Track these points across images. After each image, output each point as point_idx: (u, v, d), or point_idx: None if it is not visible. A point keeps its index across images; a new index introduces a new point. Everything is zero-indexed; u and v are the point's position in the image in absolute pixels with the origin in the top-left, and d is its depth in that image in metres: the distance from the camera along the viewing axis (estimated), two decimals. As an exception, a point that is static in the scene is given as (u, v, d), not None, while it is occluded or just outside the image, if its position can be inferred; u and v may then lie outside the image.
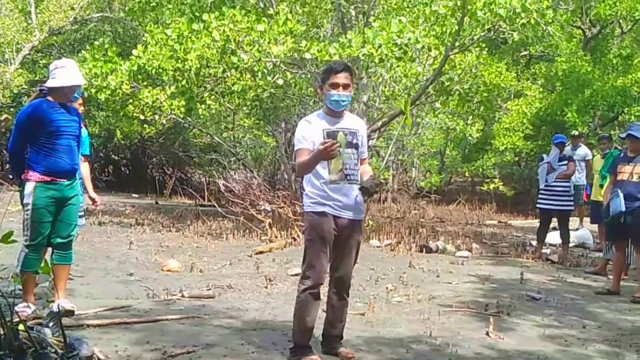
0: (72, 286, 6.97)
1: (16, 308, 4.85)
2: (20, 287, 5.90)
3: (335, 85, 4.92)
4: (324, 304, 5.26)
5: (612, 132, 17.33)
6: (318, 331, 5.23)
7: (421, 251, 11.15)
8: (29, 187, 5.84)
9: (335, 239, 4.97)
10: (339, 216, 4.95)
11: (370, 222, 13.15)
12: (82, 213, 7.54)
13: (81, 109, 7.03)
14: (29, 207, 5.85)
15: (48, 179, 5.83)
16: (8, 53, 16.94)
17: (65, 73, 5.90)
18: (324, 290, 5.12)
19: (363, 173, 5.14)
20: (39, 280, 6.55)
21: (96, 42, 12.86)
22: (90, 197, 7.67)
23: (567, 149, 11.92)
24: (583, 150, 13.60)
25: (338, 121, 5.04)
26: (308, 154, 4.89)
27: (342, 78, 4.93)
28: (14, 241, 4.55)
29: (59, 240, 6.02)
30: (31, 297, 5.99)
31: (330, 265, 5.08)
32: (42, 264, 5.28)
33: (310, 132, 4.95)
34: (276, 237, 11.51)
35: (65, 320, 5.23)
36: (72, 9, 17.48)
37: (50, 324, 5.11)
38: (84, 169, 7.53)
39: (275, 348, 5.25)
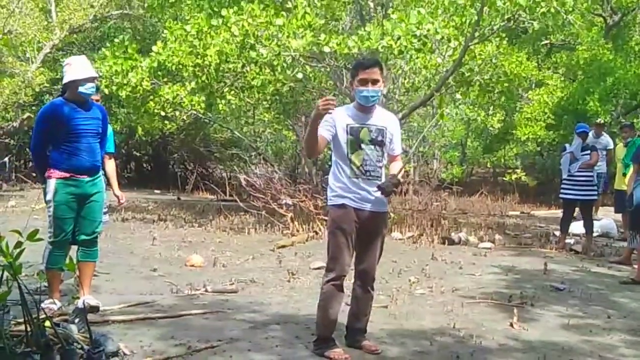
0: (96, 282, 7.03)
1: (42, 305, 4.91)
2: (46, 284, 5.96)
3: (364, 82, 4.89)
4: (348, 297, 5.27)
5: (634, 121, 17.15)
6: (342, 325, 5.24)
7: (444, 243, 11.12)
8: (51, 184, 5.92)
9: (358, 231, 4.97)
10: (360, 208, 4.95)
11: (392, 215, 13.12)
12: (105, 210, 7.60)
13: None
14: (51, 204, 5.93)
15: (67, 175, 5.89)
16: (29, 52, 17.07)
17: (73, 68, 5.95)
18: (348, 283, 5.13)
19: (391, 166, 5.16)
20: (64, 277, 6.61)
21: (116, 40, 12.94)
22: (115, 194, 7.73)
23: (590, 138, 11.83)
24: (605, 139, 13.51)
25: (367, 117, 5.00)
26: (320, 140, 4.89)
27: (371, 74, 4.89)
28: (39, 239, 4.62)
29: (83, 237, 6.08)
30: (57, 294, 6.06)
31: (355, 258, 5.09)
32: (67, 261, 5.33)
33: (328, 122, 4.89)
34: (298, 231, 11.53)
35: (91, 317, 5.29)
36: (92, 6, 17.58)
37: (76, 320, 5.17)
38: (110, 166, 7.58)
39: (299, 342, 5.27)
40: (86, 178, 5.99)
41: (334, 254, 4.98)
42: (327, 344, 5.01)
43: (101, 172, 6.35)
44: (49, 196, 5.94)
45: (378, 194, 4.95)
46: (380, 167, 5.05)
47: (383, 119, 5.10)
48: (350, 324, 5.24)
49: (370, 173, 4.96)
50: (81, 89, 5.91)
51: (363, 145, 4.92)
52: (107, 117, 6.40)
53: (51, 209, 5.96)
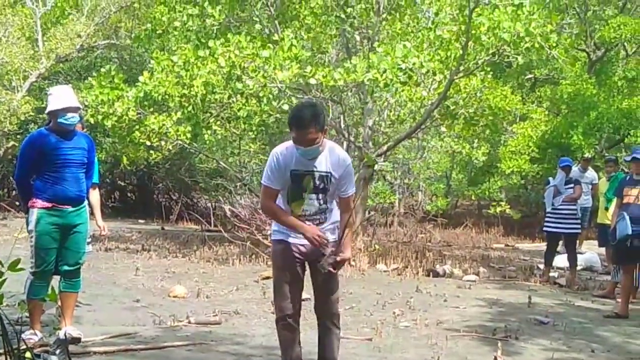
0: (78, 313, 6.97)
1: (23, 335, 4.86)
2: (27, 314, 5.90)
3: (297, 141, 4.52)
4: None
5: (617, 155, 17.29)
6: None
7: (428, 275, 11.12)
8: (33, 213, 5.88)
9: (308, 265, 4.79)
10: (302, 243, 4.72)
11: (377, 246, 13.13)
12: (89, 240, 7.55)
13: None
14: (33, 233, 5.89)
15: (50, 205, 5.84)
16: (15, 80, 17.07)
17: (55, 98, 5.91)
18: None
19: (341, 224, 4.79)
20: (46, 307, 6.55)
21: (103, 69, 12.94)
22: (98, 225, 7.70)
23: (575, 172, 11.92)
24: (591, 174, 13.65)
25: (312, 162, 4.61)
26: (275, 194, 4.68)
27: (303, 135, 4.47)
28: (21, 269, 4.57)
29: (66, 267, 6.03)
30: (38, 325, 6.00)
31: (313, 296, 4.91)
32: (50, 291, 5.29)
33: (278, 172, 4.63)
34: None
35: (72, 348, 5.24)
36: (79, 36, 17.63)
37: (57, 352, 5.12)
38: (94, 196, 7.55)
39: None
40: (69, 208, 5.95)
41: (275, 292, 4.83)
42: None
43: (85, 203, 6.31)
44: (31, 226, 5.90)
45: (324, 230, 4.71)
46: (324, 211, 4.77)
47: (330, 162, 4.65)
48: None
49: (311, 218, 4.73)
50: (60, 119, 5.86)
51: (305, 194, 4.65)
52: (94, 147, 6.38)
53: (33, 239, 5.91)
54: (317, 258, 4.68)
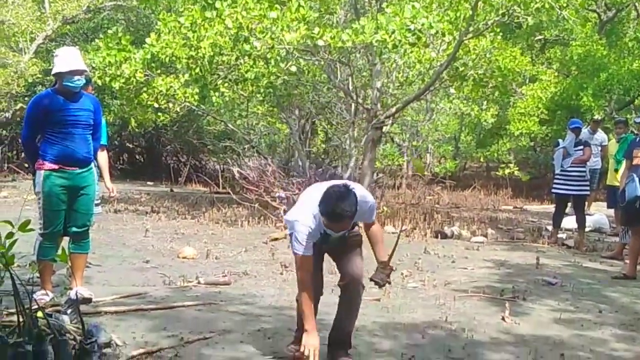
0: (89, 274, 7.03)
1: (34, 296, 4.90)
2: (38, 275, 5.96)
3: (329, 228, 4.49)
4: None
5: (627, 117, 17.20)
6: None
7: (436, 237, 11.15)
8: (40, 175, 5.91)
9: (329, 249, 4.79)
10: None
11: (385, 209, 13.15)
12: (98, 201, 7.60)
13: None
14: (40, 195, 5.92)
15: (57, 167, 5.86)
16: (22, 42, 16.99)
17: (61, 60, 5.90)
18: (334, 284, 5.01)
19: (373, 242, 4.85)
20: (56, 268, 6.61)
21: (109, 31, 12.87)
22: (107, 187, 7.73)
23: (584, 133, 11.86)
24: (601, 136, 13.58)
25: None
26: (312, 263, 4.58)
27: (336, 227, 4.48)
28: (30, 230, 4.61)
29: (74, 229, 6.07)
30: (49, 285, 6.06)
31: (337, 269, 4.89)
32: (60, 252, 5.33)
33: (310, 239, 4.53)
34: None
35: (83, 308, 5.29)
36: (86, -3, 17.53)
37: (69, 311, 5.17)
38: (102, 158, 7.58)
39: (291, 334, 5.26)
40: (77, 170, 5.96)
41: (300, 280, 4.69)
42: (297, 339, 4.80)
43: (93, 164, 6.32)
44: (39, 188, 5.93)
45: None
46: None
47: (357, 215, 4.56)
48: (332, 336, 4.87)
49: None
50: (66, 81, 5.87)
51: (329, 245, 4.70)
52: (100, 109, 6.36)
53: (41, 201, 5.94)
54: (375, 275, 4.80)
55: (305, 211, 4.58)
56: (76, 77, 5.87)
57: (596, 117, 14.74)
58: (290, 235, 4.70)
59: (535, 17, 11.51)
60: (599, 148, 13.22)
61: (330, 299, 4.88)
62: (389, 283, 4.84)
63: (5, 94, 17.29)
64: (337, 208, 4.33)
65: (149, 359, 4.68)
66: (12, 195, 14.13)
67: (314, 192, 4.61)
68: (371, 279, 4.76)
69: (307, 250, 4.53)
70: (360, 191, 4.69)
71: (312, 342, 4.48)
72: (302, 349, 4.50)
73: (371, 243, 4.87)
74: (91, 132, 6.12)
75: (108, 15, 20.45)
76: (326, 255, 4.89)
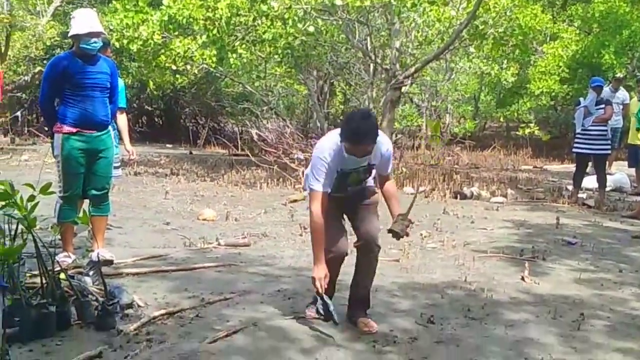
0: (110, 235, 7.10)
1: (57, 258, 4.95)
2: (60, 237, 6.02)
3: (351, 152, 4.46)
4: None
5: (650, 74, 16.99)
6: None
7: (455, 197, 11.13)
8: (58, 139, 5.94)
9: (343, 205, 4.80)
10: (343, 195, 4.74)
11: (404, 169, 13.14)
12: (118, 164, 7.64)
13: None
14: (59, 158, 5.95)
15: (75, 130, 5.88)
16: (40, 5, 17.00)
17: (77, 22, 5.88)
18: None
19: (388, 198, 4.87)
20: (77, 230, 6.67)
21: (127, -7, 12.83)
22: (127, 149, 7.76)
23: (606, 92, 11.72)
24: (623, 94, 13.43)
25: (360, 161, 4.58)
26: (326, 199, 4.58)
27: (359, 149, 4.44)
28: (51, 192, 4.66)
29: (94, 192, 6.11)
30: (70, 247, 6.12)
31: (353, 228, 4.87)
32: (81, 215, 5.37)
33: (328, 175, 4.56)
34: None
35: (105, 269, 5.34)
36: (102, -41, 17.46)
37: (90, 273, 5.23)
38: (122, 121, 7.60)
39: (310, 294, 5.30)
40: (95, 133, 5.97)
41: (328, 237, 4.67)
42: (315, 303, 4.86)
43: (111, 127, 6.32)
44: (57, 151, 5.95)
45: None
46: (364, 182, 4.81)
47: (375, 156, 4.64)
48: (351, 296, 4.92)
49: (351, 191, 4.78)
50: (83, 44, 5.85)
51: (349, 188, 4.71)
52: (117, 72, 6.35)
53: (60, 164, 5.98)
54: (355, 202, 4.79)
55: (323, 146, 4.62)
56: (93, 40, 5.85)
57: (618, 75, 14.58)
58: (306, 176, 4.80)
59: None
60: (621, 107, 13.08)
61: (347, 261, 4.89)
62: (407, 235, 4.82)
63: (24, 57, 17.36)
64: (362, 125, 4.37)
65: (170, 320, 4.73)
66: (32, 159, 14.24)
67: (330, 133, 4.70)
68: (389, 230, 4.75)
69: (322, 185, 4.56)
70: (385, 140, 4.77)
71: (318, 273, 4.56)
72: (314, 284, 4.58)
73: (386, 199, 4.89)
74: (108, 95, 6.13)
75: (125, -24, 20.36)
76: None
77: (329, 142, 4.61)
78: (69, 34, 6.00)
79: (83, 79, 5.88)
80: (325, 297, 4.65)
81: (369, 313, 4.85)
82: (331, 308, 4.64)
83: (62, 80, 5.88)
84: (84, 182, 6.07)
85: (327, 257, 4.68)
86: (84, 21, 5.86)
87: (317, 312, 4.77)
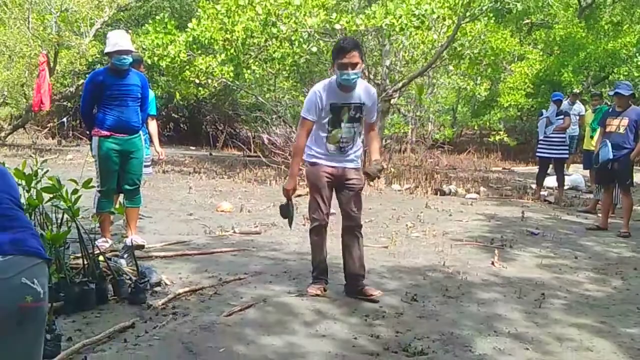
0: (141, 224, 7.10)
1: (96, 242, 4.96)
2: (99, 225, 6.02)
3: (344, 66, 4.51)
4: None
5: (602, 90, 16.96)
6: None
7: (436, 194, 11.12)
8: (94, 141, 5.98)
9: (335, 186, 4.81)
10: (332, 166, 4.76)
11: (392, 169, 13.12)
12: (149, 163, 7.65)
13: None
14: (97, 158, 5.98)
15: (108, 133, 5.90)
16: (83, 27, 16.91)
17: (110, 42, 5.90)
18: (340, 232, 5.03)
19: (370, 143, 4.90)
20: (114, 219, 6.67)
21: (157, 17, 12.81)
22: (156, 151, 7.76)
23: (564, 105, 11.72)
24: (579, 107, 13.43)
25: (348, 95, 4.67)
26: (311, 126, 4.67)
27: (351, 57, 4.49)
28: (92, 187, 4.66)
29: (127, 187, 6.12)
30: (108, 234, 6.12)
31: (341, 211, 4.91)
32: (117, 206, 5.38)
33: (318, 105, 4.63)
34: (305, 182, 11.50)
35: (137, 253, 5.34)
36: (137, -12, 17.43)
37: (125, 256, 5.23)
38: (152, 126, 7.59)
39: (310, 275, 5.32)
40: (126, 136, 5.97)
41: (311, 206, 4.85)
42: (317, 280, 4.91)
43: (141, 132, 6.29)
44: (94, 151, 6.00)
45: (351, 164, 4.79)
46: (353, 142, 4.79)
47: (362, 95, 4.73)
48: (347, 271, 4.94)
49: (345, 148, 4.74)
50: (115, 60, 5.87)
51: (342, 124, 4.68)
52: (148, 84, 6.34)
53: (97, 163, 6.00)
54: (343, 182, 4.81)
55: (317, 85, 4.79)
56: (123, 56, 5.86)
57: (575, 90, 14.55)
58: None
59: (524, 3, 11.38)
60: (577, 117, 13.07)
61: (337, 246, 4.89)
62: (379, 177, 4.87)
63: (70, 72, 17.32)
64: (345, 39, 4.71)
65: (192, 296, 4.73)
66: (76, 158, 14.22)
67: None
68: (364, 172, 4.78)
69: (309, 113, 4.67)
70: (368, 85, 5.03)
71: (290, 185, 4.84)
72: (284, 191, 4.85)
73: (368, 144, 4.95)
74: (139, 104, 6.12)
75: (156, 3, 20.32)
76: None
77: (321, 82, 4.81)
78: (104, 52, 6.01)
79: (116, 91, 5.89)
80: (290, 203, 4.91)
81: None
82: (293, 214, 4.99)
83: (98, 91, 5.89)
84: (119, 179, 6.07)
85: (312, 225, 4.88)
86: (115, 41, 5.87)
87: (375, 169, 4.75)
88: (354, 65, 4.54)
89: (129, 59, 5.93)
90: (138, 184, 6.23)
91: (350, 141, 4.77)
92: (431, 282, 5.41)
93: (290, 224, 5.11)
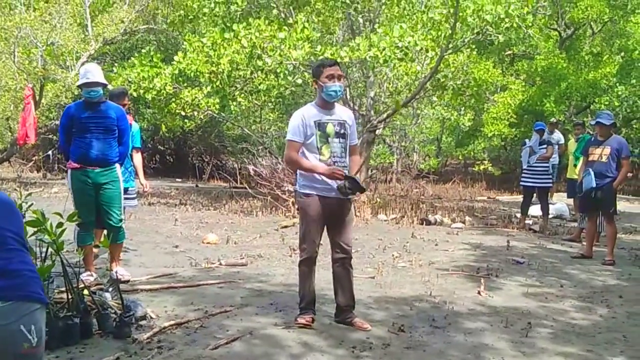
0: (127, 257, 7.05)
1: (81, 276, 4.90)
2: (83, 258, 5.96)
3: (331, 77, 4.66)
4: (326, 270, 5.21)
5: (584, 119, 17.16)
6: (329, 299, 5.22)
7: (422, 224, 11.14)
8: (68, 174, 6.02)
9: (328, 217, 4.78)
10: (327, 196, 4.73)
11: (378, 199, 13.14)
12: (134, 195, 7.61)
13: (126, 107, 6.87)
14: (70, 191, 5.98)
15: (78, 166, 5.90)
16: (69, 60, 16.95)
17: (81, 75, 5.95)
18: (327, 264, 5.03)
19: (352, 163, 4.92)
20: (99, 252, 6.61)
21: (143, 50, 12.87)
22: (141, 183, 7.73)
23: (545, 134, 11.83)
24: (558, 135, 13.54)
25: (330, 112, 4.78)
26: (299, 147, 4.69)
27: (336, 70, 4.70)
28: (77, 220, 4.62)
29: (109, 223, 6.06)
30: (92, 267, 6.07)
31: (331, 243, 4.90)
32: (102, 239, 5.34)
33: (303, 126, 4.69)
34: (298, 213, 11.51)
35: (122, 286, 5.29)
36: (122, 22, 17.44)
37: (110, 289, 5.18)
38: (137, 159, 7.56)
39: (298, 307, 5.28)
40: (96, 169, 5.93)
41: (305, 238, 4.80)
42: (305, 311, 4.87)
43: (117, 165, 6.16)
44: (68, 184, 6.03)
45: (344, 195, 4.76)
46: (345, 157, 4.83)
47: (342, 113, 4.89)
48: (339, 303, 4.95)
49: (337, 164, 4.75)
50: (85, 93, 5.91)
51: (329, 139, 4.73)
52: (125, 116, 6.25)
53: (72, 195, 6.00)
54: (336, 214, 4.80)
55: (297, 111, 4.87)
56: (92, 89, 5.87)
57: (552, 119, 14.66)
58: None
59: (505, 35, 11.50)
60: (557, 146, 13.17)
61: (324, 276, 4.88)
62: (352, 193, 4.81)
63: (55, 105, 17.32)
64: (326, 58, 4.75)
65: (178, 329, 4.68)
66: (61, 191, 14.12)
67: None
68: (337, 188, 4.70)
69: (296, 135, 4.71)
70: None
71: (328, 171, 4.65)
72: (333, 174, 4.63)
73: (350, 164, 4.93)
74: (114, 136, 6.05)
75: (142, 37, 20.42)
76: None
77: (301, 108, 4.90)
78: (75, 85, 6.07)
79: (84, 123, 5.88)
80: (349, 178, 4.70)
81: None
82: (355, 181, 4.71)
83: (70, 124, 5.93)
84: (99, 212, 6.02)
85: (303, 257, 4.82)
86: (84, 74, 5.91)
87: (342, 189, 4.68)
88: (339, 77, 4.72)
89: (98, 91, 5.91)
90: (117, 221, 6.09)
91: (341, 157, 4.79)
92: (418, 312, 5.39)
93: (362, 190, 5.00)
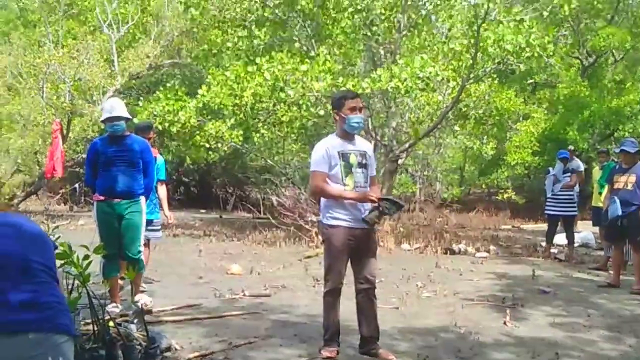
0: (152, 288, 7.09)
1: (107, 308, 4.93)
2: (109, 290, 6.00)
3: (354, 109, 4.73)
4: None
5: (608, 147, 17.00)
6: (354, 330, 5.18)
7: (446, 253, 11.05)
8: (94, 206, 6.15)
9: (353, 249, 4.77)
10: (353, 227, 4.73)
11: (401, 229, 13.08)
12: (159, 227, 7.67)
13: (151, 140, 6.98)
14: (96, 223, 6.07)
15: (103, 198, 6.02)
16: (95, 95, 17.23)
17: (104, 110, 6.14)
18: (351, 294, 5.01)
19: (373, 189, 4.96)
20: (124, 284, 6.65)
21: (168, 84, 13.12)
22: (165, 215, 7.79)
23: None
24: (576, 163, 13.38)
25: (351, 143, 4.83)
26: (324, 178, 4.72)
27: (358, 102, 4.79)
28: (103, 252, 4.66)
29: (126, 254, 6.12)
30: (117, 298, 6.10)
31: (355, 273, 4.88)
32: (128, 271, 5.37)
33: (327, 156, 4.74)
34: (321, 243, 11.47)
35: (147, 317, 5.30)
36: (148, 57, 17.72)
37: (135, 321, 5.19)
38: (162, 191, 7.64)
39: (322, 338, 5.25)
40: (120, 201, 6.03)
41: (330, 269, 4.80)
42: (330, 343, 4.84)
43: (143, 197, 6.24)
44: (94, 217, 6.12)
45: (368, 225, 4.77)
46: (367, 187, 4.85)
47: (362, 144, 4.98)
48: (363, 334, 4.91)
49: (361, 188, 4.78)
50: (108, 127, 6.07)
51: (353, 169, 4.77)
52: (149, 149, 6.37)
53: (97, 227, 6.08)
54: (362, 245, 4.80)
55: (319, 143, 4.91)
56: (115, 123, 6.00)
57: (570, 147, 14.54)
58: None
59: (527, 64, 11.51)
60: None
61: (347, 308, 4.86)
62: (378, 223, 4.89)
63: (82, 139, 17.54)
64: (347, 90, 4.78)
65: (202, 361, 4.68)
66: (88, 224, 14.22)
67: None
68: (363, 219, 4.73)
69: (320, 166, 4.75)
70: None
71: (360, 194, 4.73)
72: (365, 199, 4.71)
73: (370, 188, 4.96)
74: (138, 169, 6.15)
75: (167, 71, 20.70)
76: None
77: (323, 140, 4.97)
78: (100, 120, 6.20)
79: (108, 156, 6.02)
80: (384, 200, 4.80)
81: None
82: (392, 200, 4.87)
83: (96, 158, 6.07)
84: (120, 245, 6.07)
85: (329, 288, 4.81)
86: (106, 109, 6.09)
87: (374, 216, 4.73)
88: (361, 109, 4.81)
89: (121, 125, 6.03)
90: (136, 253, 6.15)
91: (364, 188, 4.83)
92: (443, 343, 5.33)
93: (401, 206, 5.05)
